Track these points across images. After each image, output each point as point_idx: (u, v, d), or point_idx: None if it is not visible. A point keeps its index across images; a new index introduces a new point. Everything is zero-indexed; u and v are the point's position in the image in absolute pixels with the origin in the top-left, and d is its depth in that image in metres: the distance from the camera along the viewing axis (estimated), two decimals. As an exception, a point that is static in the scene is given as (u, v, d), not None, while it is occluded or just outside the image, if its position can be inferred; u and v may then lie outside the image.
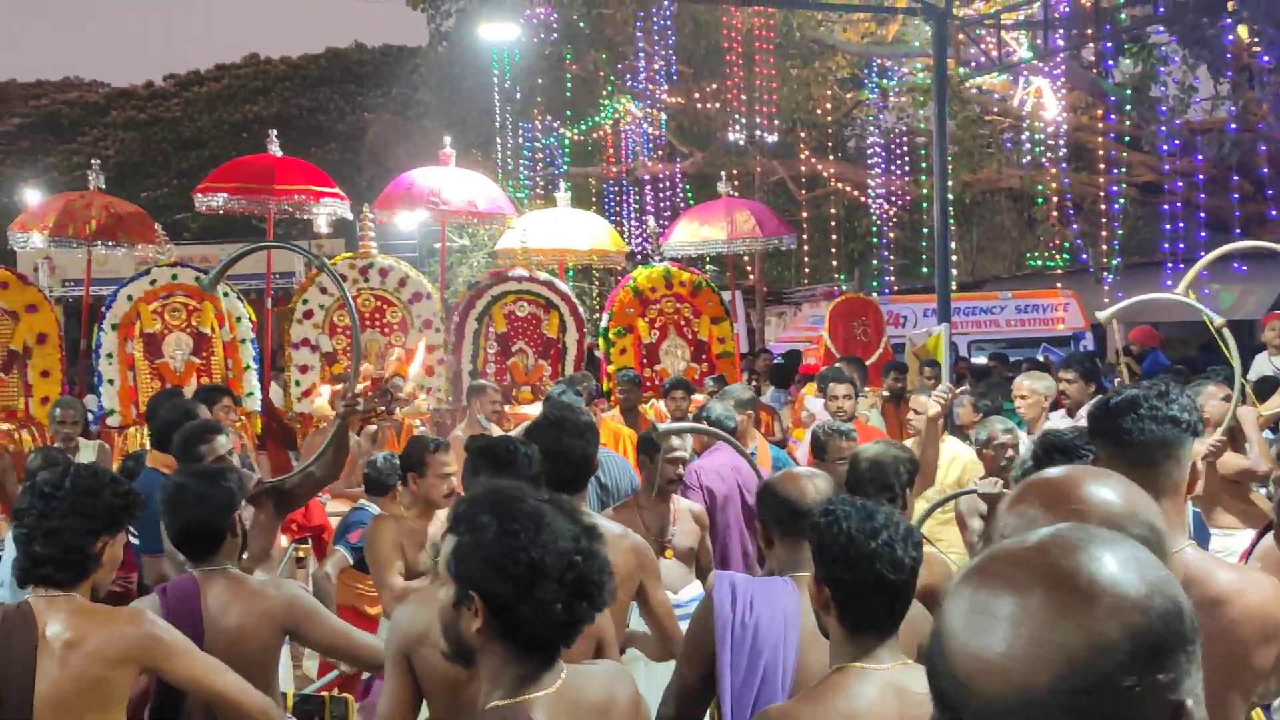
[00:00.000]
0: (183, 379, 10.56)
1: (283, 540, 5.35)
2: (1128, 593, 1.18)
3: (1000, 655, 1.17)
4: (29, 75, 54.82)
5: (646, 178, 26.63)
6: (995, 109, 24.26)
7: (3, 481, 9.10)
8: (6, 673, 3.16)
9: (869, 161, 24.81)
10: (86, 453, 8.64)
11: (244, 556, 4.33)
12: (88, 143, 43.79)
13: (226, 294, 10.76)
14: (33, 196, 36.14)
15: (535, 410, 10.79)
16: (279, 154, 12.37)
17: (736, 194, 15.21)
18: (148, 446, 7.69)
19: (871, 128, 25.00)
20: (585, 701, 2.47)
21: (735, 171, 15.74)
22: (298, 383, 11.05)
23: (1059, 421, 8.33)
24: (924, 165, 23.78)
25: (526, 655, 2.38)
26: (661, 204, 26.56)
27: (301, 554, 8.08)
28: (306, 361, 11.08)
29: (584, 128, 27.19)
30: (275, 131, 12.69)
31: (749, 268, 25.54)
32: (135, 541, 5.66)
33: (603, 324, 12.45)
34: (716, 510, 6.70)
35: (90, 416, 10.25)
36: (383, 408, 6.11)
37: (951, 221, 18.10)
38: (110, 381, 10.40)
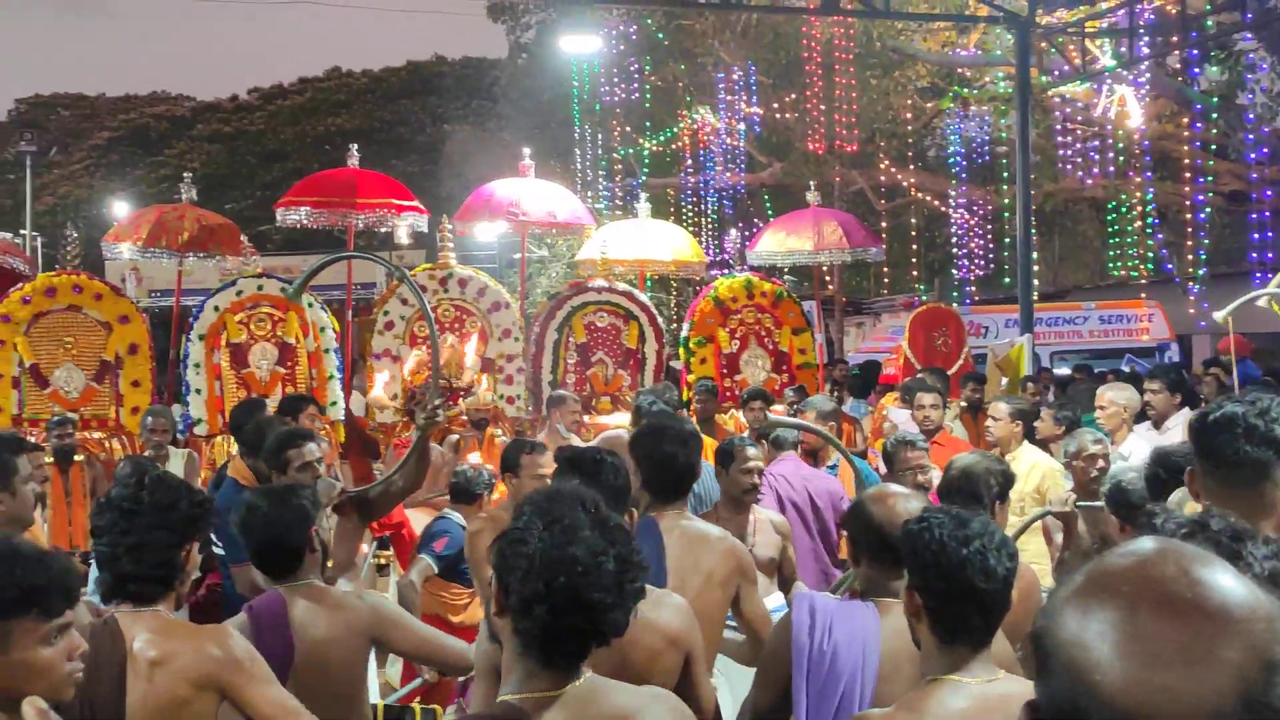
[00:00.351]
0: (268, 388, 10.67)
1: (364, 546, 5.39)
2: (1270, 608, 1.21)
3: (1183, 681, 1.16)
4: (118, 90, 56.03)
5: (725, 188, 26.60)
6: (1078, 118, 23.96)
7: (94, 489, 9.25)
8: (97, 690, 3.11)
9: (949, 171, 24.61)
10: (175, 461, 8.76)
11: (329, 566, 4.37)
12: (174, 156, 44.67)
13: (310, 304, 10.85)
14: (121, 208, 36.94)
15: (614, 420, 10.82)
16: (359, 167, 12.46)
17: (819, 204, 15.05)
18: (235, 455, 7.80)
19: (952, 137, 24.79)
20: (597, 713, 2.44)
21: (815, 182, 15.61)
22: (395, 408, 11.11)
23: (1145, 433, 8.23)
24: (1005, 174, 23.54)
25: (526, 653, 2.42)
26: (740, 214, 26.54)
27: (383, 560, 8.15)
28: (388, 371, 11.14)
29: (663, 139, 27.23)
30: (356, 145, 12.78)
31: (828, 277, 25.45)
32: (220, 551, 5.73)
33: (683, 333, 12.44)
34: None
35: (178, 426, 10.40)
36: (440, 403, 6.14)
37: (1033, 231, 17.86)
38: (197, 391, 10.54)
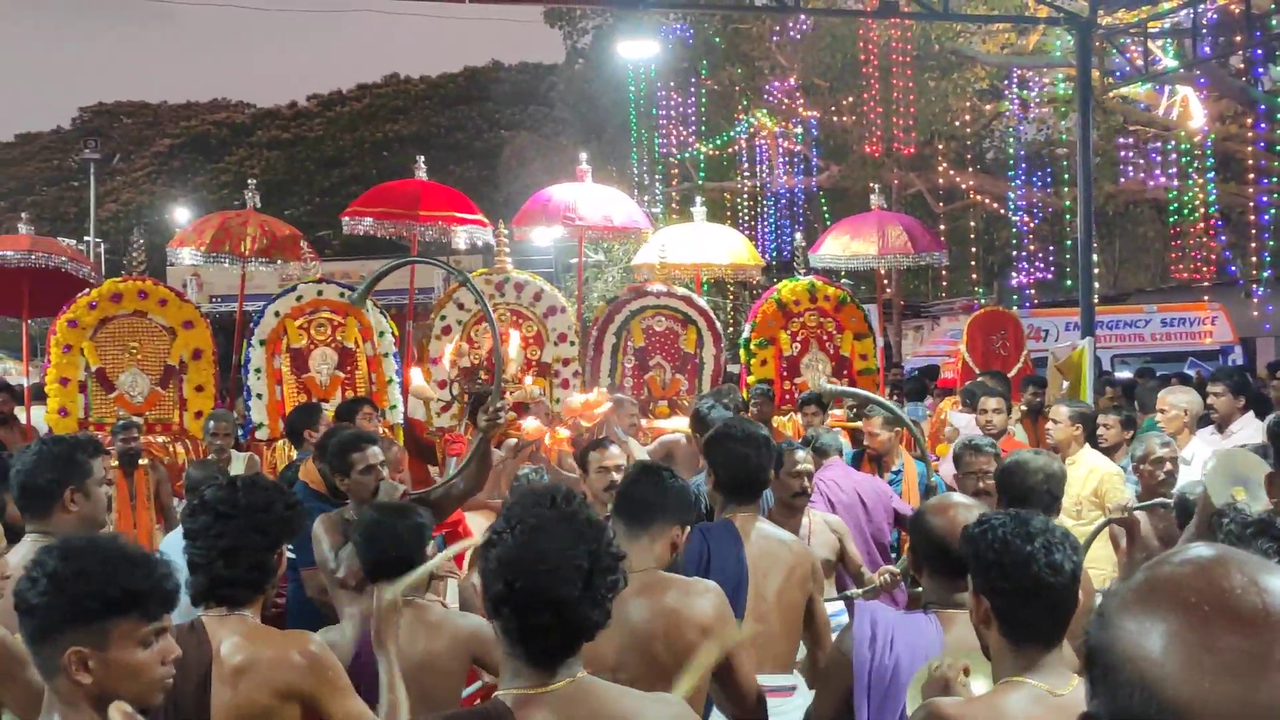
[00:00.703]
0: (327, 393, 10.77)
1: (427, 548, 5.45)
2: None
3: (1259, 692, 1.16)
4: (179, 98, 56.81)
5: (782, 191, 26.56)
6: (1140, 119, 23.72)
7: (157, 492, 9.39)
8: (182, 695, 3.12)
9: (1009, 173, 24.44)
10: (237, 464, 8.86)
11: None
12: (234, 162, 45.26)
13: (369, 308, 10.97)
14: (181, 214, 37.44)
15: (671, 425, 10.84)
16: (425, 178, 12.55)
17: (884, 207, 14.93)
18: (293, 458, 7.88)
19: (1011, 139, 24.63)
20: (586, 713, 2.47)
21: (877, 185, 15.50)
22: (437, 398, 11.21)
23: (1209, 437, 8.16)
24: (1065, 176, 23.34)
25: (512, 651, 2.48)
26: (797, 217, 26.49)
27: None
28: (445, 377, 11.21)
29: (719, 142, 27.23)
30: (422, 157, 12.89)
31: (886, 281, 25.36)
32: (292, 555, 5.80)
33: (744, 335, 12.44)
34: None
35: (240, 430, 10.54)
36: (501, 406, 6.15)
37: (1094, 233, 17.70)
38: (259, 396, 10.63)
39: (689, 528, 4.14)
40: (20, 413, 11.70)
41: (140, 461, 9.26)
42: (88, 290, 10.60)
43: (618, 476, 5.58)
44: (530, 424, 8.23)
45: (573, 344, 11.61)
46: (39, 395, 11.44)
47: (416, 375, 9.82)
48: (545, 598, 2.41)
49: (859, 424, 10.08)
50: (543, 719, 2.42)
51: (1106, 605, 1.28)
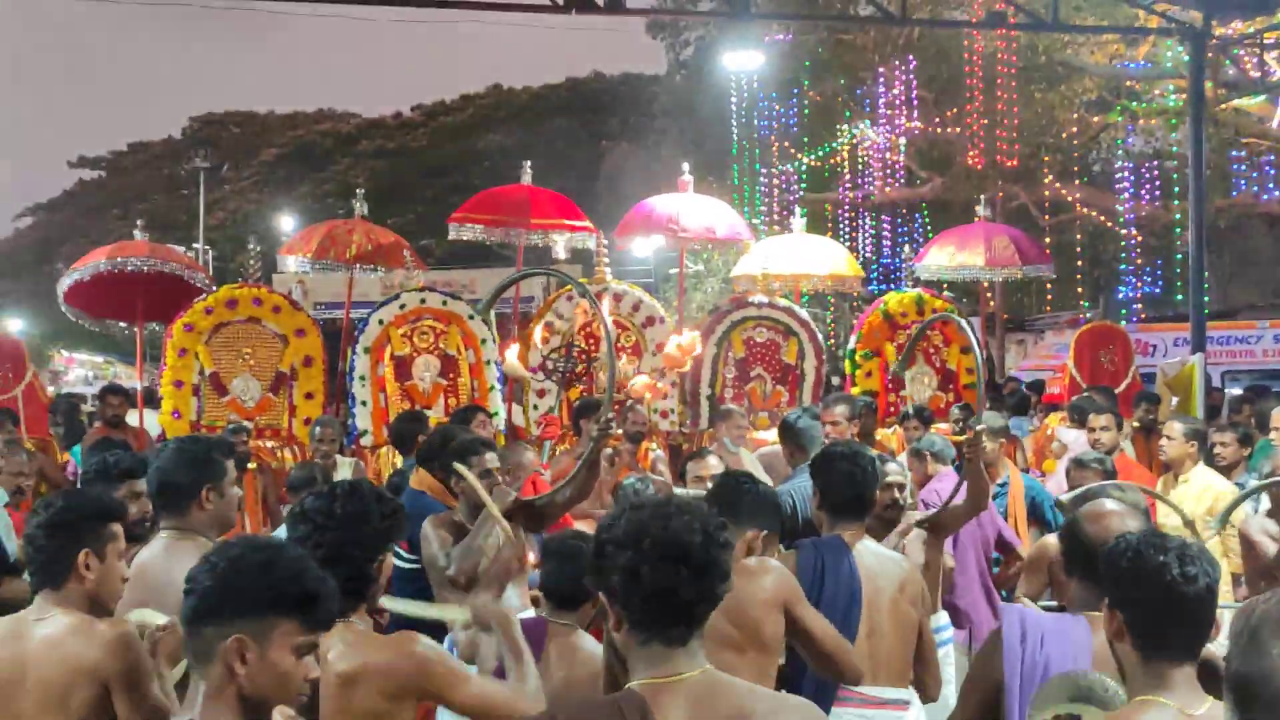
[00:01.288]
0: (430, 400, 10.95)
1: (531, 555, 5.55)
2: None
3: None
4: (286, 108, 57.81)
5: (883, 203, 26.43)
6: (1253, 131, 23.25)
7: (265, 496, 9.63)
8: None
9: (1116, 186, 24.09)
10: (344, 469, 9.03)
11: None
12: (339, 171, 45.96)
13: (472, 316, 11.12)
14: (287, 223, 38.17)
15: (772, 436, 10.84)
16: (531, 184, 12.62)
17: (989, 219, 14.77)
18: (397, 464, 8.03)
19: (1119, 151, 24.27)
20: (719, 708, 2.52)
21: (983, 196, 15.35)
22: (535, 406, 11.30)
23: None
24: (1175, 189, 22.95)
25: (643, 642, 2.56)
26: (899, 230, 26.34)
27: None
28: (544, 385, 11.31)
29: (821, 154, 27.16)
30: (529, 163, 12.95)
31: (989, 294, 25.10)
32: (403, 564, 5.90)
33: (849, 345, 12.43)
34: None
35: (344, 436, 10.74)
36: (613, 418, 6.17)
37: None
38: (363, 403, 10.82)
39: (765, 533, 4.38)
40: (133, 416, 11.98)
41: (249, 466, 9.51)
42: (204, 296, 10.90)
43: None
44: (639, 381, 8.18)
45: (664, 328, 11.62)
46: (150, 400, 11.78)
47: (511, 353, 9.90)
48: (675, 550, 2.51)
49: (965, 437, 10.05)
50: (675, 707, 2.48)
51: (1252, 630, 1.23)
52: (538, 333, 10.72)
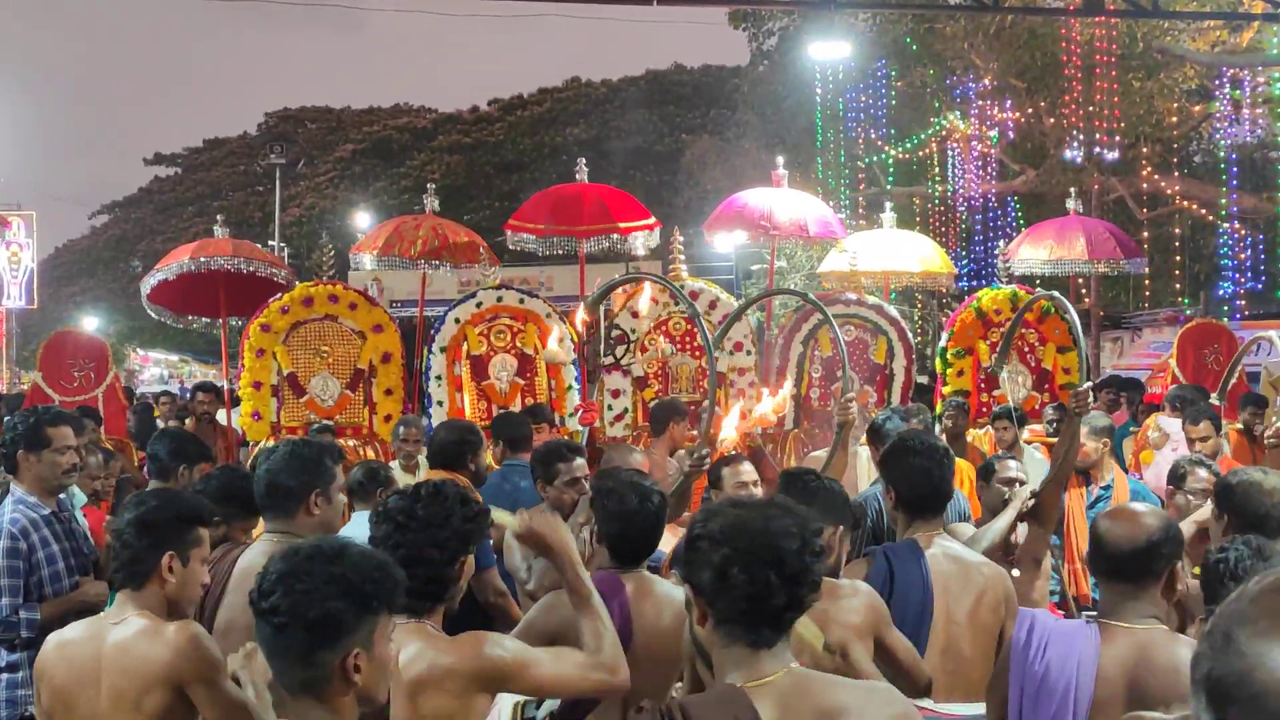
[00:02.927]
0: (507, 400, 11.08)
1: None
2: None
3: None
4: (362, 103, 58.43)
5: (974, 196, 26.22)
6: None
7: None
8: None
9: (1218, 178, 23.71)
10: (425, 470, 9.15)
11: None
12: (415, 167, 46.42)
13: (549, 314, 11.24)
14: (362, 219, 38.60)
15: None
16: (586, 180, 12.61)
17: (1082, 213, 14.53)
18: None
19: (1222, 142, 23.89)
20: (810, 705, 2.55)
21: (1075, 189, 15.15)
22: (609, 407, 11.32)
23: None
24: (1280, 181, 22.58)
25: (730, 642, 2.62)
26: (990, 224, 26.13)
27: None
28: (618, 385, 11.34)
29: (909, 146, 27.03)
30: (583, 160, 12.94)
31: (1083, 290, 24.82)
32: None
33: (941, 344, 12.36)
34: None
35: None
36: (708, 453, 6.04)
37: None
38: (439, 403, 10.95)
39: (841, 529, 4.37)
40: (223, 415, 12.21)
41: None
42: (279, 295, 11.09)
43: (757, 492, 5.67)
44: (728, 436, 8.19)
45: (749, 353, 11.60)
46: (233, 400, 12.01)
47: (553, 339, 9.94)
48: (770, 554, 2.56)
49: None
50: (766, 707, 2.54)
51: (1225, 631, 1.21)
52: (578, 318, 10.59)
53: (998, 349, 10.84)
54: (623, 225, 12.25)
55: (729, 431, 7.05)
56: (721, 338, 6.62)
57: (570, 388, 11.14)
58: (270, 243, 37.47)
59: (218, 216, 13.18)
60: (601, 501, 4.41)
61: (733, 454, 6.15)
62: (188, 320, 12.56)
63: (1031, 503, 5.83)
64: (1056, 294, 8.11)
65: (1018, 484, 5.97)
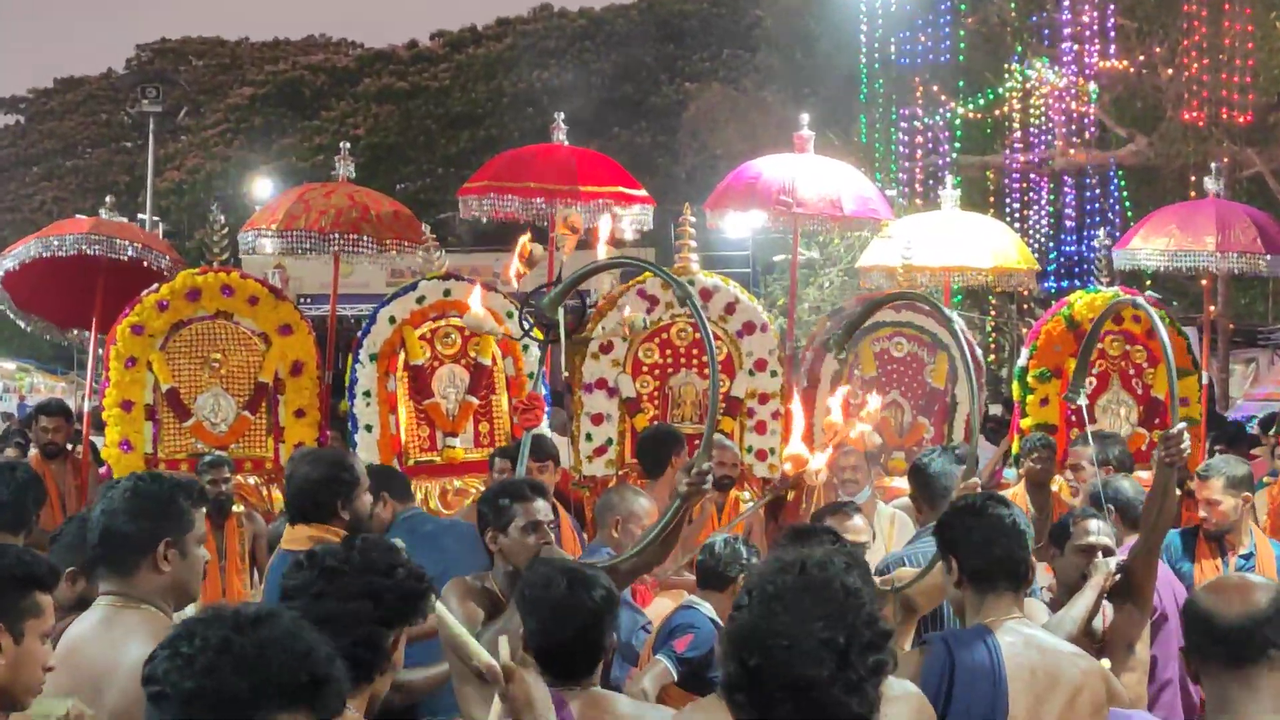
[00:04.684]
0: (457, 425, 11.11)
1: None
2: None
3: None
4: (264, 33, 58.53)
5: (1067, 169, 26.34)
6: None
7: (253, 549, 9.81)
8: None
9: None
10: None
11: None
12: (333, 119, 46.41)
13: (511, 314, 10.41)
14: (263, 187, 38.53)
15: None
16: (566, 141, 12.61)
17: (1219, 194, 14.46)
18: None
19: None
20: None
21: (1214, 165, 15.09)
22: (589, 436, 11.28)
23: None
24: None
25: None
26: (1089, 206, 26.23)
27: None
28: (601, 409, 11.30)
29: (982, 103, 27.12)
30: (561, 114, 12.93)
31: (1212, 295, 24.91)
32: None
33: (1019, 363, 12.26)
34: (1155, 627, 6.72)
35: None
36: (709, 469, 6.03)
37: None
38: (368, 428, 10.85)
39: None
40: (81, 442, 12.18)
41: (235, 508, 9.67)
42: (156, 286, 10.94)
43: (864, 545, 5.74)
44: (818, 460, 8.16)
45: (774, 375, 11.54)
46: (98, 424, 11.99)
47: (474, 297, 9.57)
48: (785, 679, 2.64)
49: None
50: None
51: None
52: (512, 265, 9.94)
53: (1074, 371, 10.82)
54: (628, 192, 12.28)
55: (819, 460, 7.07)
56: (558, 302, 6.54)
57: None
58: (140, 216, 37.42)
59: (107, 199, 13.15)
60: (521, 590, 4.50)
61: (841, 503, 6.21)
62: (32, 318, 12.55)
63: (1117, 578, 5.94)
64: (1139, 297, 8.05)
65: (1100, 553, 6.05)
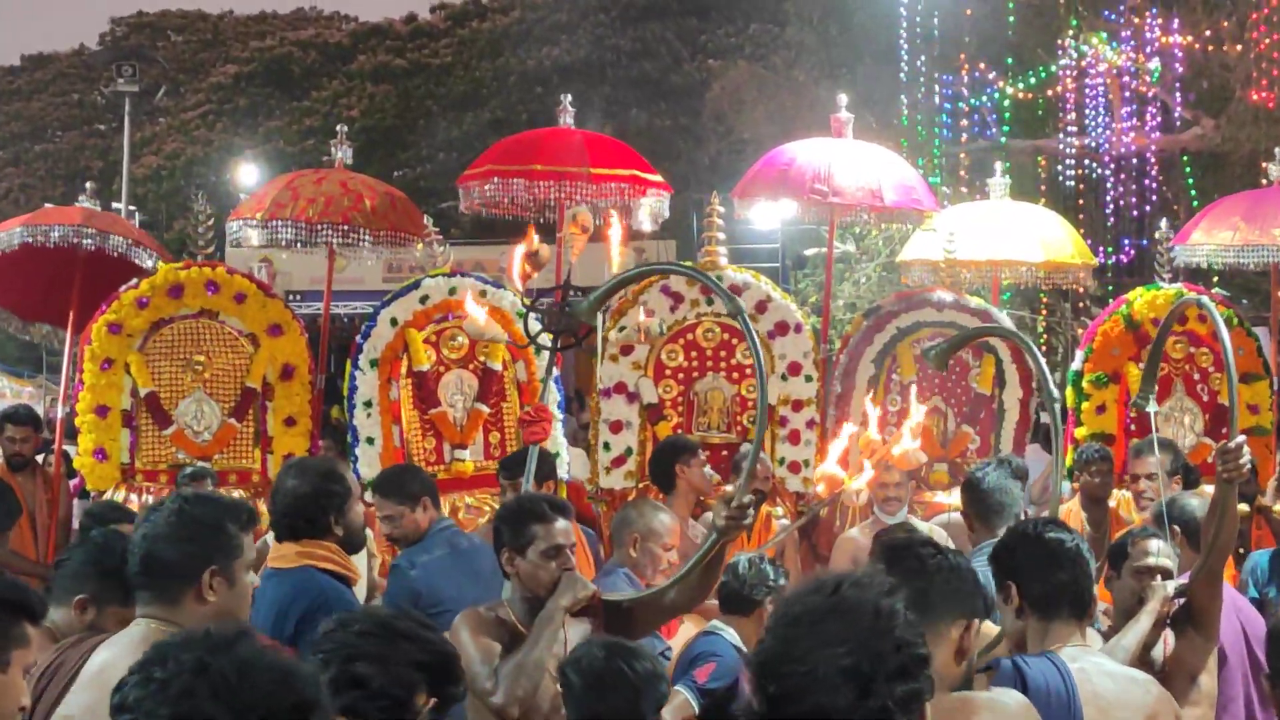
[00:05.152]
0: (466, 436, 11.11)
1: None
2: None
3: None
4: (250, 6, 58.37)
5: (1128, 156, 26.27)
6: None
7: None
8: None
9: None
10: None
11: None
12: (324, 99, 46.33)
13: (522, 314, 10.72)
14: (249, 173, 38.54)
15: (954, 500, 10.77)
16: (573, 125, 12.72)
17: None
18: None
19: None
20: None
21: (1278, 151, 15.02)
22: (607, 445, 11.36)
23: None
24: None
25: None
26: (1150, 196, 26.14)
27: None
28: (621, 416, 11.36)
29: (1034, 81, 27.07)
30: (569, 96, 13.01)
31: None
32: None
33: (1074, 366, 12.29)
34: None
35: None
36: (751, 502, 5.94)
37: None
38: (369, 440, 10.94)
39: (977, 622, 4.38)
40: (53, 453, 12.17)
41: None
42: (136, 281, 10.97)
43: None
44: (860, 479, 8.12)
45: (809, 380, 11.59)
46: (71, 432, 11.99)
47: (471, 305, 9.67)
48: (802, 709, 2.65)
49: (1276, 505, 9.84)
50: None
51: None
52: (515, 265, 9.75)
53: (1142, 374, 10.77)
54: (643, 176, 12.30)
55: (860, 481, 7.07)
56: (596, 308, 6.49)
57: (554, 419, 10.83)
58: (115, 204, 37.42)
59: (87, 186, 13.12)
60: (565, 676, 4.63)
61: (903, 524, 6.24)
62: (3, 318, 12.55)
63: (1178, 604, 5.93)
64: (1205, 296, 7.97)
65: (1159, 575, 6.07)
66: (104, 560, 5.30)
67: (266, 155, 41.98)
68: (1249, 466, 6.02)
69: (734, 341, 11.55)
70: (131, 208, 38.34)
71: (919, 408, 8.22)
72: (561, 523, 5.61)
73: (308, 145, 41.22)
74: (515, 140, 13.19)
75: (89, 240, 11.48)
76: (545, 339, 7.59)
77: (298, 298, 27.85)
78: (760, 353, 5.94)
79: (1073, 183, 27.22)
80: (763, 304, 11.52)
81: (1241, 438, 5.85)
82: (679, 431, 11.07)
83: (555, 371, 11.07)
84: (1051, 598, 4.82)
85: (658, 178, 12.53)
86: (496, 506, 10.38)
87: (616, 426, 11.30)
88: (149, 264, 11.64)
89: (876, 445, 7.63)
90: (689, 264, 8.57)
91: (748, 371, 11.54)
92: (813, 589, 2.83)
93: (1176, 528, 7.48)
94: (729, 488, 8.24)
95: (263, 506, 10.44)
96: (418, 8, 51.79)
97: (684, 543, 9.06)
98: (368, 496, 10.71)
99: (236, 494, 10.59)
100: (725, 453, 11.01)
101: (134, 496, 10.60)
